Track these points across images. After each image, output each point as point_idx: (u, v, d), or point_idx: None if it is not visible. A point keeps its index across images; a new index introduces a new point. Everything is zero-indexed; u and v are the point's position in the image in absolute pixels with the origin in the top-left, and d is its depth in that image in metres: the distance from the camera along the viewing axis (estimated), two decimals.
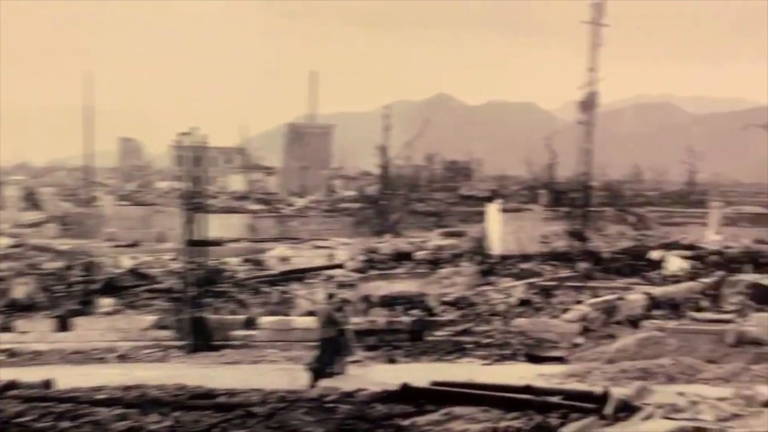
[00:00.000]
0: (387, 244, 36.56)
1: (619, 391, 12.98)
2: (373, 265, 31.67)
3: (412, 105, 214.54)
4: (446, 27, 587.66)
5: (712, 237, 37.49)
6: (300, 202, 60.86)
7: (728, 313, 22.40)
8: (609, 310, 22.12)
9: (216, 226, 33.56)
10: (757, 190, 73.71)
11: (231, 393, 13.78)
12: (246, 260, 32.62)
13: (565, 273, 29.69)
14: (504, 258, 33.12)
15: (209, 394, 13.80)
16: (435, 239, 38.23)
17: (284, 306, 24.52)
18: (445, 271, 29.65)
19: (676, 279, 27.32)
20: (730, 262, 30.01)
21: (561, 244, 35.01)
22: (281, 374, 15.87)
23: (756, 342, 18.60)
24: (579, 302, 23.48)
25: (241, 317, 22.38)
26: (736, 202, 53.44)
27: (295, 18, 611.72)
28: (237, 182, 79.36)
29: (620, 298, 23.01)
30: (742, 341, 18.60)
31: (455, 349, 19.17)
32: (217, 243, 32.70)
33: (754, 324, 20.26)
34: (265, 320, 21.53)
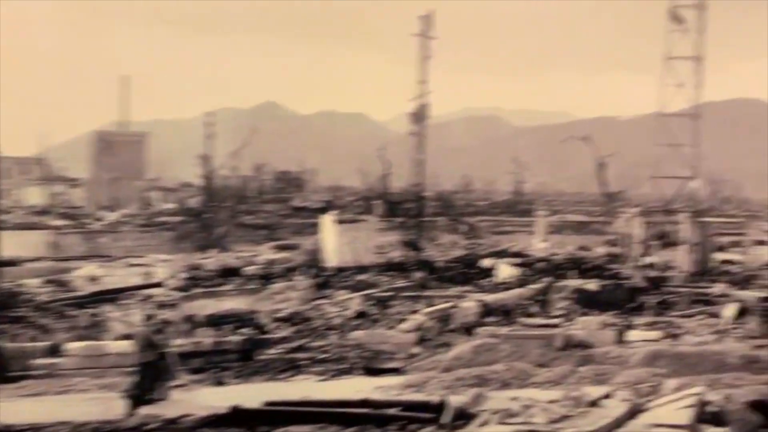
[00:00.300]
0: (212, 260, 35.76)
1: (455, 400, 13.53)
2: (197, 282, 30.89)
3: (238, 113, 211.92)
4: (273, 33, 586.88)
5: (539, 245, 40.46)
6: (111, 217, 57.93)
7: (556, 317, 24.20)
8: (444, 318, 23.07)
9: (11, 245, 31.19)
10: (579, 200, 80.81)
11: (34, 428, 12.90)
12: (48, 281, 30.40)
13: (400, 283, 30.61)
14: (340, 270, 33.54)
15: (6, 431, 12.70)
16: (266, 253, 37.93)
17: (95, 330, 23.19)
18: (277, 286, 29.48)
19: (506, 286, 29.08)
20: (556, 269, 32.50)
21: (396, 255, 36.13)
22: (94, 404, 14.97)
23: (582, 345, 20.20)
24: (415, 312, 24.27)
25: (44, 344, 20.76)
26: (560, 210, 58.15)
27: (105, 17, 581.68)
28: (36, 195, 74.03)
29: (454, 306, 24.06)
30: (569, 344, 20.11)
31: (289, 367, 19.10)
32: (12, 263, 30.46)
33: (579, 327, 22.06)
34: (73, 346, 20.14)
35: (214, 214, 50.48)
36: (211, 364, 19.15)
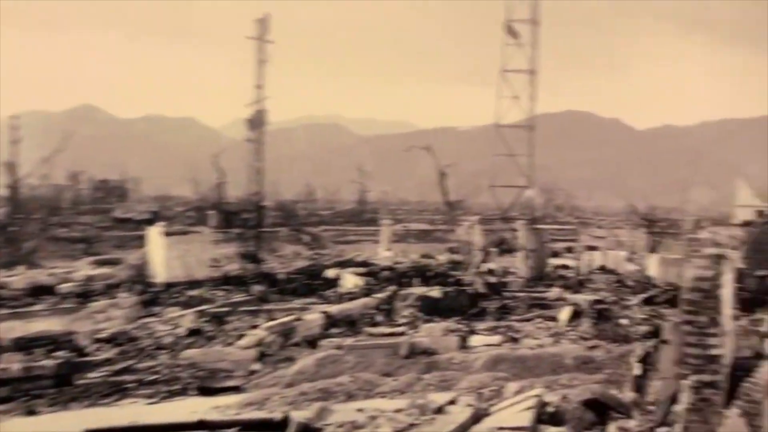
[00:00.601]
0: (20, 278, 33.44)
1: (299, 415, 13.38)
2: (1, 302, 28.75)
3: (49, 116, 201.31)
4: (91, 30, 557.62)
5: (383, 253, 41.29)
6: None
7: (401, 326, 24.69)
8: (286, 332, 22.84)
9: None
10: (422, 208, 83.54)
11: None
12: None
13: (239, 297, 30.02)
14: (169, 286, 32.40)
15: None
16: (84, 269, 36.02)
17: None
18: (98, 304, 27.99)
19: (351, 296, 29.33)
20: (401, 277, 33.32)
21: (234, 268, 35.42)
22: None
23: (426, 352, 20.72)
24: (255, 327, 23.87)
25: None
26: (403, 219, 59.72)
27: None
28: None
29: (297, 319, 23.91)
30: (415, 352, 20.58)
31: (114, 391, 18.15)
32: None
33: (424, 335, 22.62)
34: None
35: (21, 227, 47.14)
36: (21, 392, 17.84)
